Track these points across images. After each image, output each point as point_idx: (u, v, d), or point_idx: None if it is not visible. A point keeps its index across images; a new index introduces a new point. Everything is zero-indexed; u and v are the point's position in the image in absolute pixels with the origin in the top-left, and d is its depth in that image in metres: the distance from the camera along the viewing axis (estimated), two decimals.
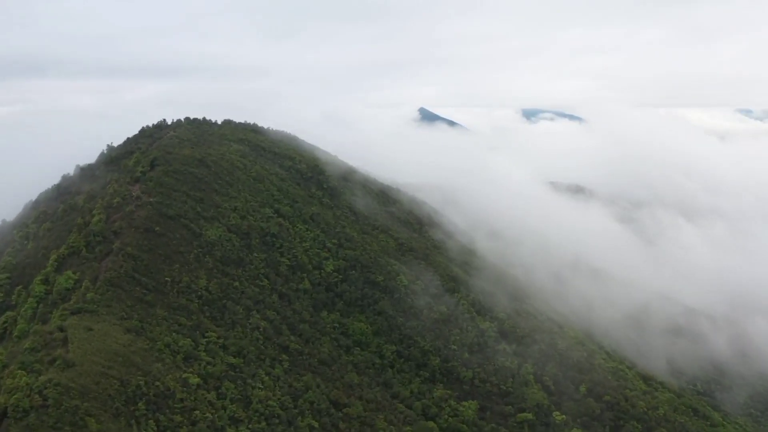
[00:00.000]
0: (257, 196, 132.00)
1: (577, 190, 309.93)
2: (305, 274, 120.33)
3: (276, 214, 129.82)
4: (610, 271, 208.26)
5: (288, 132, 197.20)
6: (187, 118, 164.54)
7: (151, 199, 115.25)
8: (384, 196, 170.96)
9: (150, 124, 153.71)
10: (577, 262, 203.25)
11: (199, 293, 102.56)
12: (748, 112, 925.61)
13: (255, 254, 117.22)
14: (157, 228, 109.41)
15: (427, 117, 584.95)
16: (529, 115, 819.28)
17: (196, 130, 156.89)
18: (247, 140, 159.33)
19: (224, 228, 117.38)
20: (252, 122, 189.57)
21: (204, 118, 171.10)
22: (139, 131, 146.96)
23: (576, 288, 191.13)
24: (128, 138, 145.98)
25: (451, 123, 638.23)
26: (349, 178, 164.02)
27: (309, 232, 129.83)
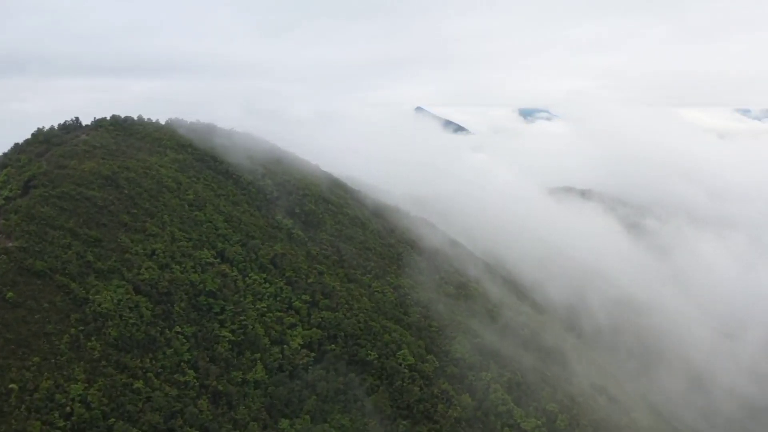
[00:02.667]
0: (192, 230, 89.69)
1: (579, 195, 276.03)
2: (258, 356, 78.40)
3: (218, 259, 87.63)
4: (640, 300, 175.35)
5: (259, 135, 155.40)
6: (114, 117, 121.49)
7: (11, 244, 72.89)
8: (379, 219, 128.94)
9: (55, 125, 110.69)
10: (602, 291, 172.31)
11: (69, 409, 60.62)
12: (746, 112, 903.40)
13: (177, 328, 75.02)
14: (11, 293, 67.18)
15: (424, 116, 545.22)
16: (526, 114, 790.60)
17: (121, 132, 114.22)
18: (192, 147, 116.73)
19: (128, 287, 75.09)
20: (215, 123, 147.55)
21: (140, 117, 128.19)
22: (32, 135, 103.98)
23: (614, 330, 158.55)
24: (16, 144, 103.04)
25: (448, 123, 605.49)
26: (331, 197, 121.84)
27: (268, 286, 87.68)
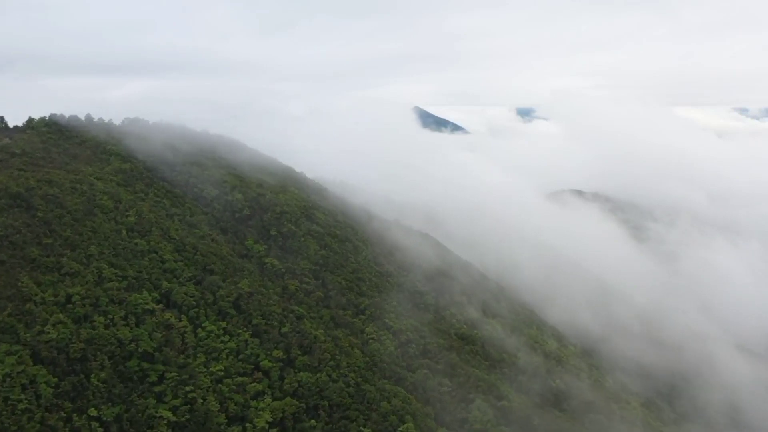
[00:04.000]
0: (128, 265, 68.11)
1: (580, 198, 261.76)
2: None
3: (161, 304, 66.07)
4: (661, 321, 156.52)
5: (236, 137, 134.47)
6: (53, 116, 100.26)
7: None
8: (374, 238, 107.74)
9: None
10: (619, 310, 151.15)
11: None
12: (744, 111, 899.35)
13: (93, 411, 53.46)
14: None
15: (423, 117, 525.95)
16: (524, 114, 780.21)
17: (56, 136, 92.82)
18: (145, 153, 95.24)
19: (24, 354, 53.54)
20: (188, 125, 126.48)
21: (88, 116, 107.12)
22: None
23: (641, 363, 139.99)
24: None
25: (446, 123, 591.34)
26: (316, 214, 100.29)
27: (227, 339, 66.19)
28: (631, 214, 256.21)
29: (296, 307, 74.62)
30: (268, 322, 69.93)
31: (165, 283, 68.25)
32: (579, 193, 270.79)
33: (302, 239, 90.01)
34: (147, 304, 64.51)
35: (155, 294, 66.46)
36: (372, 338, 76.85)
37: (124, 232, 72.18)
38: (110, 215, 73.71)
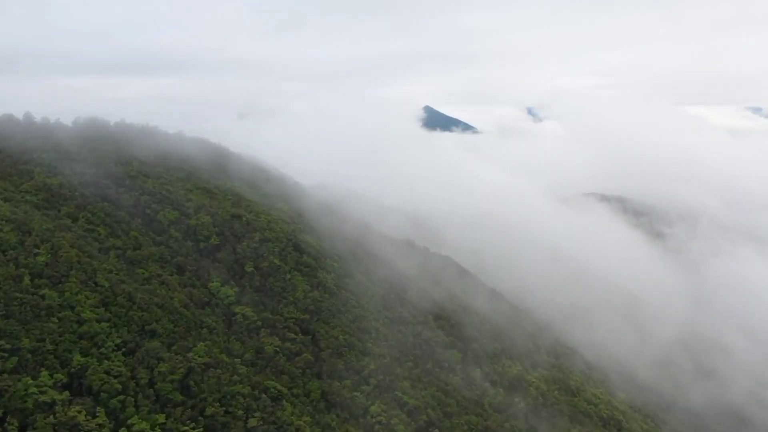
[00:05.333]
0: (24, 334, 46.76)
1: (595, 200, 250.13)
2: None
3: (66, 393, 44.52)
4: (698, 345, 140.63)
5: (218, 140, 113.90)
6: None
7: None
8: (381, 270, 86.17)
9: None
10: (656, 334, 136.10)
11: None
12: (757, 110, 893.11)
13: None
14: None
15: (433, 116, 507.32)
16: (535, 113, 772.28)
17: None
18: (87, 161, 74.11)
19: None
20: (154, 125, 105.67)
21: (28, 115, 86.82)
22: None
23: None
24: None
25: (457, 123, 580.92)
26: (308, 242, 78.60)
27: None
28: (647, 218, 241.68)
29: (273, 382, 52.96)
30: (229, 411, 48.38)
31: (78, 357, 46.79)
32: (592, 195, 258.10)
33: (288, 276, 68.42)
34: (44, 393, 43.13)
35: (60, 375, 45.04)
36: (379, 423, 55.10)
37: (26, 279, 50.86)
38: (9, 254, 52.44)
